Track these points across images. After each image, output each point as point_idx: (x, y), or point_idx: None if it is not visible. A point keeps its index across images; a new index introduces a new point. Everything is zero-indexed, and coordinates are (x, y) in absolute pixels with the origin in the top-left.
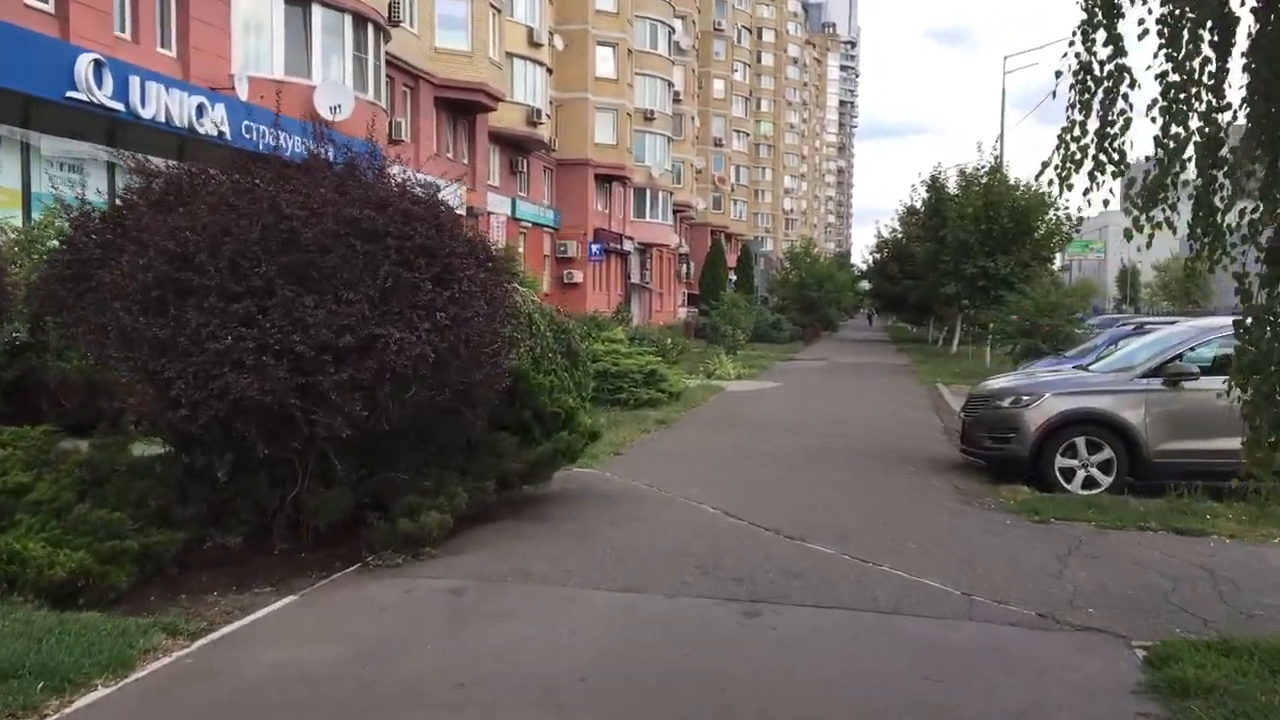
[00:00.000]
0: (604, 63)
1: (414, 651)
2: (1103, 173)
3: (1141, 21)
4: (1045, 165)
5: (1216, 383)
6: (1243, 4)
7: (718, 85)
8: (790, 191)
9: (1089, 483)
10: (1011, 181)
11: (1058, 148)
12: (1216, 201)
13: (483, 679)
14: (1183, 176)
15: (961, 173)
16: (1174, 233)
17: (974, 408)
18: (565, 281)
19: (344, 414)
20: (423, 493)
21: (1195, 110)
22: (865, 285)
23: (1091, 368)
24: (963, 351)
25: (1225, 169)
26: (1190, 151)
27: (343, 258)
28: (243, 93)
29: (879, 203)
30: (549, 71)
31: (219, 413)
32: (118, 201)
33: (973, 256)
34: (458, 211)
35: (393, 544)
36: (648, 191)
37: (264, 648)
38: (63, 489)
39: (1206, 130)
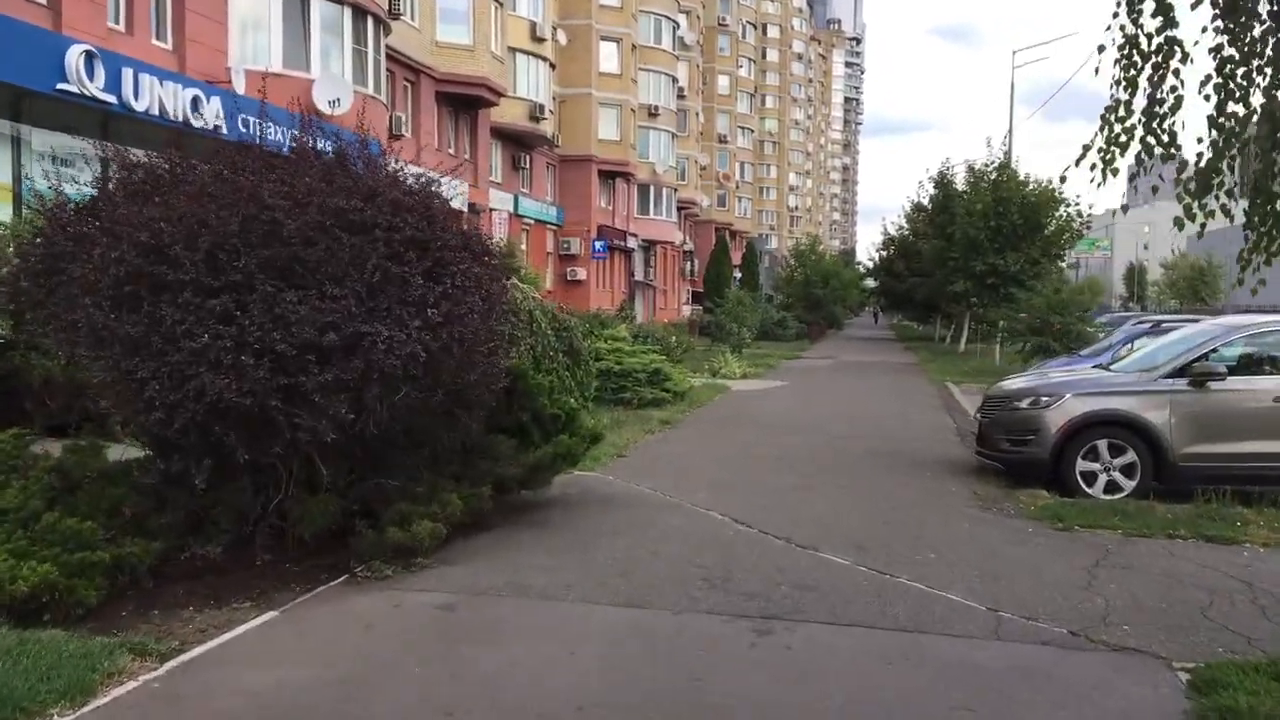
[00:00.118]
0: (608, 58)
1: (400, 676)
2: (1150, 155)
3: None
4: (1086, 149)
5: (1244, 383)
6: None
7: (722, 81)
8: (795, 188)
9: (1111, 487)
10: (1021, 177)
11: (1101, 129)
12: (1276, 187)
13: (473, 708)
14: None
15: (970, 169)
16: (1230, 220)
17: (991, 409)
18: (568, 279)
19: (329, 417)
20: (414, 500)
21: (1257, 86)
22: (870, 283)
23: (1112, 367)
24: (971, 350)
25: None
26: (1250, 132)
27: (328, 250)
28: (240, 86)
29: (884, 200)
30: (552, 67)
31: (196, 415)
32: (93, 192)
33: (982, 253)
34: (459, 208)
35: (382, 554)
36: (652, 188)
37: (237, 670)
38: (31, 496)
39: (1268, 108)
